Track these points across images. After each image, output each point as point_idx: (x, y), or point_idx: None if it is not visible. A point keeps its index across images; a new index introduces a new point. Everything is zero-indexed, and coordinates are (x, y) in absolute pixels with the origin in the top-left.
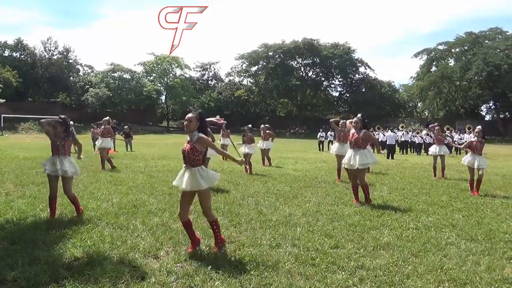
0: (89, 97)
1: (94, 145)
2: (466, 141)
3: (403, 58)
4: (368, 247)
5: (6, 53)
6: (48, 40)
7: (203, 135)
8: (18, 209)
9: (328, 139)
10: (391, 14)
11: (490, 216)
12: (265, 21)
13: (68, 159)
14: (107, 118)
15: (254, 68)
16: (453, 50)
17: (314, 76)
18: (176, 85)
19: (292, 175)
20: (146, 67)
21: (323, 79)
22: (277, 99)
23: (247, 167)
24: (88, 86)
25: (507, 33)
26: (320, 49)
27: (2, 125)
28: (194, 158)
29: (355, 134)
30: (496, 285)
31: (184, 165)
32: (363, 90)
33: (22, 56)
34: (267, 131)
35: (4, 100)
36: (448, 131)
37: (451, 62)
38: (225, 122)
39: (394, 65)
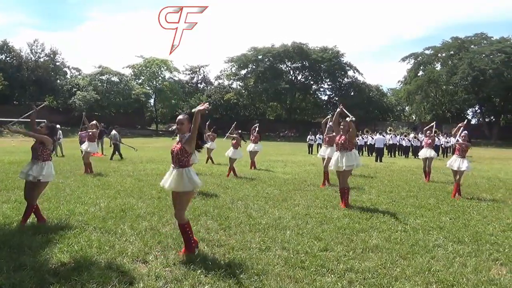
0: (76, 100)
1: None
2: (452, 144)
3: (390, 64)
4: (357, 249)
5: None
6: (34, 42)
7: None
8: (3, 214)
9: (317, 142)
10: (378, 20)
11: (476, 219)
12: (254, 24)
13: (41, 164)
14: (94, 122)
15: (243, 72)
16: (439, 55)
17: (303, 80)
18: (165, 88)
19: (281, 178)
20: (135, 70)
21: (312, 82)
22: (266, 103)
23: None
24: (75, 89)
25: (492, 39)
26: (309, 53)
27: None
28: (182, 159)
29: (342, 136)
30: (483, 287)
31: (172, 165)
32: (352, 93)
33: (7, 59)
34: (255, 134)
35: None
36: (436, 134)
37: (438, 67)
38: (209, 106)
39: (381, 70)
